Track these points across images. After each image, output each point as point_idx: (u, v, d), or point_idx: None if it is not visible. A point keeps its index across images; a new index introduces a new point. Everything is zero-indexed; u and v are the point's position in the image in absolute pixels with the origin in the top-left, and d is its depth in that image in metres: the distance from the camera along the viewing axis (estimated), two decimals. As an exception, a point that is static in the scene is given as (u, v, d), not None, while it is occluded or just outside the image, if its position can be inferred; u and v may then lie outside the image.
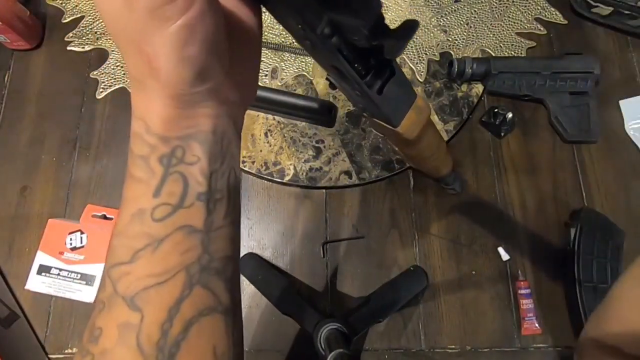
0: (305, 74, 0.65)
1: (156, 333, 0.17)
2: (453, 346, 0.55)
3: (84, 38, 0.68)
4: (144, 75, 0.16)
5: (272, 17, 0.20)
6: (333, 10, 0.17)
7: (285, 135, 0.62)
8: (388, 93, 0.25)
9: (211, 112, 0.18)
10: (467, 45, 0.66)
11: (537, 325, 0.54)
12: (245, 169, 0.61)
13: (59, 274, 0.52)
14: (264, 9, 0.20)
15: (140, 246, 0.17)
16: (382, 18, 0.17)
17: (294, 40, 0.66)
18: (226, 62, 0.18)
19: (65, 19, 0.68)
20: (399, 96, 0.28)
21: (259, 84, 0.61)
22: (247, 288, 0.56)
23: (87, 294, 0.52)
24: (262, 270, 0.56)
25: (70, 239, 0.53)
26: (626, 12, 0.63)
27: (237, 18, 0.19)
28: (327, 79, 0.29)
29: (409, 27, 0.18)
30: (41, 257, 0.53)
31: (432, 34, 0.66)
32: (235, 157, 0.21)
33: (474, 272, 0.57)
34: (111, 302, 0.17)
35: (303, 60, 0.65)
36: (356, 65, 0.22)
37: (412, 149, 0.34)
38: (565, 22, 0.67)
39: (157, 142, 0.17)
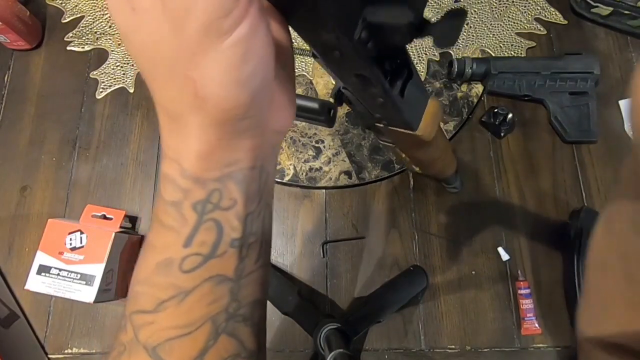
0: (305, 74, 0.65)
1: None
2: (453, 346, 0.55)
3: (84, 38, 0.68)
4: (185, 107, 0.15)
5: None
6: (376, 4, 0.16)
7: (285, 135, 0.62)
8: (408, 95, 0.25)
9: (252, 143, 0.17)
10: (467, 45, 0.66)
11: (537, 325, 0.54)
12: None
13: (58, 274, 0.52)
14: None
15: (166, 297, 0.16)
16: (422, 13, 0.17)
17: (294, 41, 0.66)
18: (273, 85, 0.16)
19: (65, 19, 0.68)
20: (417, 98, 0.27)
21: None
22: (247, 288, 0.56)
23: (86, 294, 0.52)
24: (262, 270, 0.56)
25: (70, 239, 0.53)
26: (626, 12, 0.63)
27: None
28: (334, 95, 0.28)
29: (457, 14, 0.17)
30: (41, 257, 0.53)
31: (432, 34, 0.66)
32: (271, 191, 0.20)
33: (474, 272, 0.57)
34: (132, 349, 0.17)
35: (303, 60, 0.65)
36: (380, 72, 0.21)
37: (425, 151, 0.34)
38: (565, 22, 0.67)
39: (191, 186, 0.16)
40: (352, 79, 0.22)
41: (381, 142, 0.38)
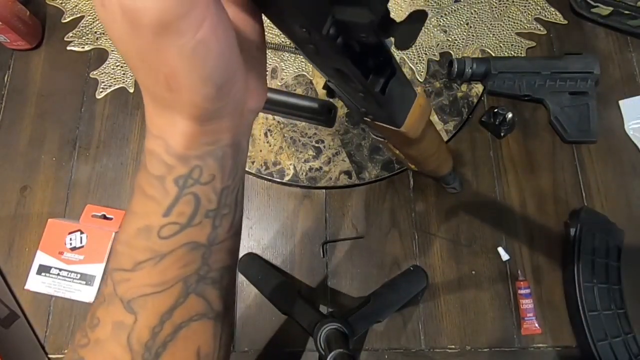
0: (305, 74, 0.65)
1: (146, 335, 0.18)
2: (453, 346, 0.55)
3: (84, 38, 0.68)
4: (163, 94, 0.16)
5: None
6: (341, 4, 0.17)
7: (285, 135, 0.62)
8: (391, 92, 0.25)
9: (231, 124, 0.18)
10: (467, 45, 0.66)
11: (537, 325, 0.54)
12: (245, 169, 0.61)
13: (58, 274, 0.52)
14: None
15: (143, 259, 0.18)
16: (388, 12, 0.17)
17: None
18: (243, 72, 0.18)
19: (65, 19, 0.68)
20: (401, 95, 0.27)
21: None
22: (247, 288, 0.56)
23: (86, 294, 0.52)
24: (262, 270, 0.56)
25: (70, 239, 0.53)
26: (626, 12, 0.63)
27: (239, 26, 0.19)
28: (325, 87, 0.28)
29: (418, 18, 0.18)
30: (41, 257, 0.53)
31: (432, 34, 0.66)
32: (244, 167, 0.21)
33: (474, 272, 0.57)
34: (110, 300, 0.18)
35: (303, 60, 0.65)
36: (356, 68, 0.22)
37: (415, 149, 0.34)
38: (565, 22, 0.67)
39: (175, 162, 0.17)
40: (331, 72, 0.23)
41: (374, 136, 0.38)
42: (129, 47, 0.14)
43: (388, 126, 0.29)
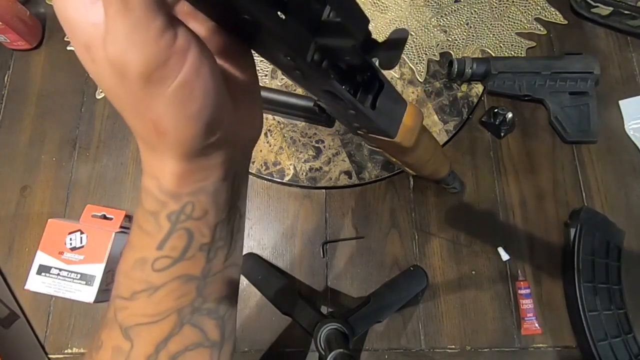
0: (305, 74, 0.65)
1: None
2: (453, 346, 0.55)
3: (84, 38, 0.67)
4: (152, 138, 0.17)
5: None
6: (323, 34, 0.17)
7: (285, 135, 0.62)
8: (381, 106, 0.25)
9: (222, 159, 0.19)
10: (467, 45, 0.66)
11: (537, 325, 0.54)
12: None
13: (58, 274, 0.52)
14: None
15: (139, 289, 0.19)
16: (370, 34, 0.18)
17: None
18: (230, 107, 0.18)
19: (65, 19, 0.68)
20: (391, 107, 0.28)
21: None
22: (247, 288, 0.56)
23: (87, 294, 0.52)
24: (262, 270, 0.56)
25: (70, 239, 0.53)
26: (626, 12, 0.63)
27: (228, 63, 0.19)
28: (315, 105, 0.29)
29: (399, 37, 0.18)
30: (41, 257, 0.53)
31: (432, 34, 0.66)
32: (243, 196, 0.22)
33: (474, 272, 0.57)
34: (111, 325, 0.20)
35: (303, 60, 0.65)
36: (344, 86, 0.23)
37: (411, 156, 0.34)
38: (565, 22, 0.67)
39: (168, 199, 0.18)
40: (320, 93, 0.23)
41: (369, 147, 0.38)
42: (119, 97, 0.15)
43: (382, 137, 0.30)
